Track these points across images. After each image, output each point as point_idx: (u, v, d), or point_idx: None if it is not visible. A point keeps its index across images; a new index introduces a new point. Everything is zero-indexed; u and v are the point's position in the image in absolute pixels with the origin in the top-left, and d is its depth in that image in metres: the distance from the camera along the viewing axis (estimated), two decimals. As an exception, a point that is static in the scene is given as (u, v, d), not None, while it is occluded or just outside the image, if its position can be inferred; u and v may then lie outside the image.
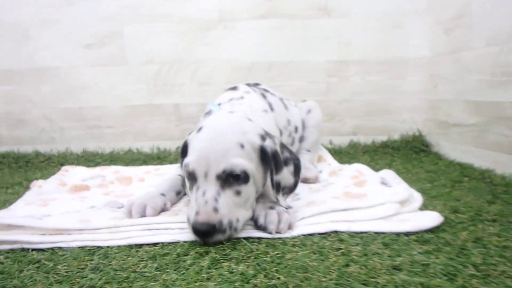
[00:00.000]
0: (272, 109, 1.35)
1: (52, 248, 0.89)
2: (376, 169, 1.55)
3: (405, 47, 2.08)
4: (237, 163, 0.93)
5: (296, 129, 1.54)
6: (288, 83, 2.11)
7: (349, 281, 0.69)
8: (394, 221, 0.95)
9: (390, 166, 1.71)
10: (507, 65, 1.44)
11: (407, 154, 1.99)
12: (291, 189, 1.06)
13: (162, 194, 1.13)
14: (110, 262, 0.81)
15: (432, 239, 0.86)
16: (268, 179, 1.04)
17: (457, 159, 1.77)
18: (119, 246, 0.89)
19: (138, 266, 0.78)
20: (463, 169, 1.57)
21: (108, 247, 0.89)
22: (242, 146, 0.96)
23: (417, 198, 1.08)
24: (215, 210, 0.89)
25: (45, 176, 1.59)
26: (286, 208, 1.01)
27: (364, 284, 0.67)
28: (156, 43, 2.08)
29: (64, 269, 0.78)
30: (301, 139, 1.59)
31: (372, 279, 0.69)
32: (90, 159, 2.03)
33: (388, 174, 1.30)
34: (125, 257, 0.83)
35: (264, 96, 1.39)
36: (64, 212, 1.10)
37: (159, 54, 2.09)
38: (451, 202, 1.12)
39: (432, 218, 0.94)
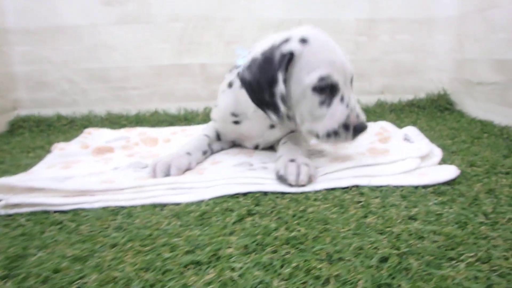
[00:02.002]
0: None
1: (74, 210, 0.87)
2: (401, 126, 1.58)
3: (434, 5, 2.06)
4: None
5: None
6: (317, 42, 2.08)
7: (366, 231, 0.72)
8: (414, 175, 0.98)
9: (415, 124, 1.73)
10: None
11: (431, 113, 2.03)
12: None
13: (188, 153, 1.11)
14: (134, 221, 0.80)
15: (448, 191, 0.89)
16: None
17: (479, 116, 1.80)
18: (143, 206, 0.87)
19: (162, 224, 0.77)
20: (484, 126, 1.61)
21: (131, 206, 0.87)
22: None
23: (437, 153, 1.12)
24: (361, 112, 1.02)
25: (68, 139, 1.54)
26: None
27: (380, 233, 0.71)
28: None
29: (87, 229, 0.77)
30: None
31: (388, 228, 0.72)
32: (115, 122, 1.99)
33: (411, 130, 1.34)
34: (149, 215, 0.82)
35: None
36: (87, 174, 1.07)
37: (185, 11, 2.02)
38: (469, 157, 1.16)
39: (450, 172, 0.97)
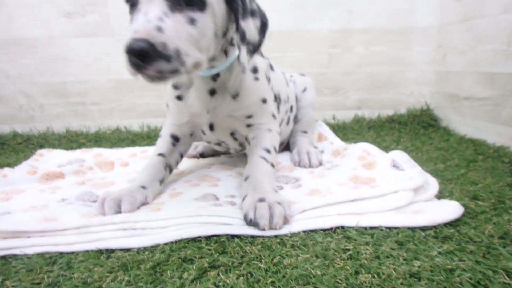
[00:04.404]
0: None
1: (3, 257, 0.73)
2: (383, 146, 1.44)
3: (412, 14, 1.95)
4: None
5: (291, 108, 1.40)
6: (287, 54, 1.96)
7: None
8: (408, 212, 0.83)
9: (398, 142, 1.60)
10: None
11: (414, 129, 1.88)
12: (255, 47, 0.92)
13: (143, 187, 0.96)
14: (72, 274, 0.66)
15: (453, 235, 0.74)
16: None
17: (469, 134, 1.67)
18: (86, 251, 0.74)
19: (105, 280, 0.64)
20: (476, 146, 1.48)
21: (73, 253, 0.74)
22: None
23: (433, 184, 0.96)
24: (159, 29, 0.72)
25: (20, 160, 1.43)
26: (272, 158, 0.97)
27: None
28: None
29: (13, 286, 0.63)
30: (296, 120, 1.45)
31: (387, 293, 0.57)
32: (73, 140, 1.87)
33: (399, 155, 1.16)
34: (91, 266, 0.68)
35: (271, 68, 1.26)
36: (28, 207, 0.94)
37: (148, 23, 1.92)
38: (468, 186, 1.02)
39: (451, 209, 0.82)
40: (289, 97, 1.37)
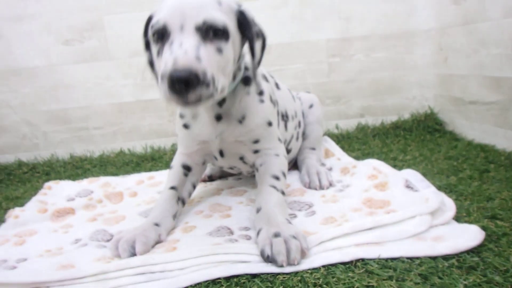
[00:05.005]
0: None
1: None
2: (391, 158, 1.42)
3: (411, 18, 1.94)
4: (218, 15, 0.86)
5: (299, 123, 1.40)
6: (288, 66, 1.95)
7: None
8: (428, 239, 0.82)
9: (405, 152, 1.58)
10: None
11: (420, 135, 1.86)
12: (258, 63, 1.00)
13: (156, 224, 0.96)
14: None
15: (478, 265, 0.72)
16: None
17: (477, 139, 1.65)
18: None
19: None
20: (487, 153, 1.45)
21: None
22: (219, 3, 0.89)
23: (449, 206, 0.94)
24: (198, 59, 0.79)
25: (28, 191, 1.42)
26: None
27: None
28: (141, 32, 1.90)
29: None
30: (303, 137, 1.45)
31: None
32: (78, 166, 1.86)
33: (412, 175, 1.13)
34: None
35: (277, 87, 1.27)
36: (43, 252, 0.93)
37: (146, 45, 1.92)
38: (484, 202, 0.99)
39: (472, 235, 0.80)
40: (297, 113, 1.37)
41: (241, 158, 1.14)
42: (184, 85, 0.76)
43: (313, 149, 1.43)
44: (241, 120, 1.05)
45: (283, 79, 1.92)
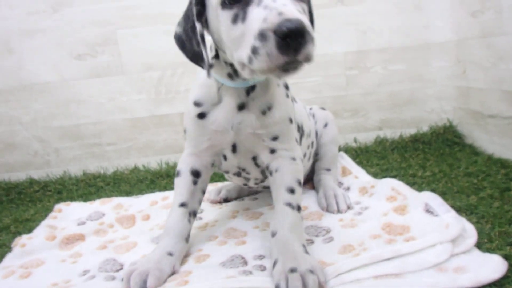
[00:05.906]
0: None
1: None
2: (410, 175, 1.39)
3: (428, 30, 1.90)
4: None
5: (312, 144, 1.36)
6: (305, 80, 1.92)
7: None
8: (450, 270, 0.78)
9: (424, 168, 1.54)
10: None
11: (439, 149, 1.82)
12: None
13: (169, 254, 0.92)
14: None
15: None
16: None
17: (496, 153, 1.61)
18: None
19: None
20: (507, 169, 1.40)
21: None
22: None
23: (471, 232, 0.91)
24: (299, 12, 0.71)
25: (38, 212, 1.39)
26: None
27: None
28: (156, 46, 1.86)
29: None
30: (318, 157, 1.41)
31: None
32: (91, 183, 1.82)
33: (432, 199, 1.10)
34: None
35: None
36: (50, 286, 0.89)
37: (160, 59, 1.88)
38: (506, 226, 0.95)
39: (495, 266, 0.76)
40: (311, 132, 1.33)
41: (254, 158, 1.07)
42: (296, 35, 0.65)
43: (329, 170, 1.39)
44: (265, 111, 0.98)
45: (299, 93, 1.88)
